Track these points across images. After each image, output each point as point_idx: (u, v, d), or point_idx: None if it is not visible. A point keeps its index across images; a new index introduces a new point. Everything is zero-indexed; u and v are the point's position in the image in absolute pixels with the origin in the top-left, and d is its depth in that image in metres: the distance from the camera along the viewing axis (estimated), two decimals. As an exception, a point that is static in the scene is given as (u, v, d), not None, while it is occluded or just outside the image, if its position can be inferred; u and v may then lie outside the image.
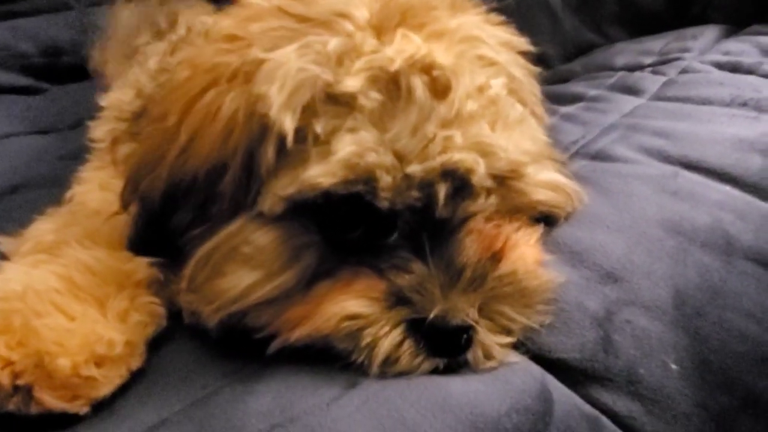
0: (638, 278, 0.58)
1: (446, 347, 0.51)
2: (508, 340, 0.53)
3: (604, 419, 0.52)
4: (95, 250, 0.59)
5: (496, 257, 0.54)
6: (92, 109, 0.97)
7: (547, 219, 0.63)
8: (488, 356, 0.52)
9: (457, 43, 0.55)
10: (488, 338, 0.52)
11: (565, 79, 1.13)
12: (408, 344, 0.51)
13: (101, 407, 0.51)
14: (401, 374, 0.50)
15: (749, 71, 0.92)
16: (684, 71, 0.98)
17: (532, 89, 0.63)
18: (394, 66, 0.51)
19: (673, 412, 0.52)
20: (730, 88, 0.86)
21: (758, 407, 0.55)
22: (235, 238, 0.53)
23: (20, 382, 0.48)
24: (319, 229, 0.52)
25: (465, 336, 0.51)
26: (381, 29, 0.54)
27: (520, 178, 0.56)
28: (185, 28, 0.95)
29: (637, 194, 0.67)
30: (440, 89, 0.52)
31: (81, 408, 0.50)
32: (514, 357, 0.53)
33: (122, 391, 0.52)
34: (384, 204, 0.51)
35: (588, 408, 0.52)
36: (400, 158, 0.50)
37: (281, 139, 0.51)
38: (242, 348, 0.54)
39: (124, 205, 0.59)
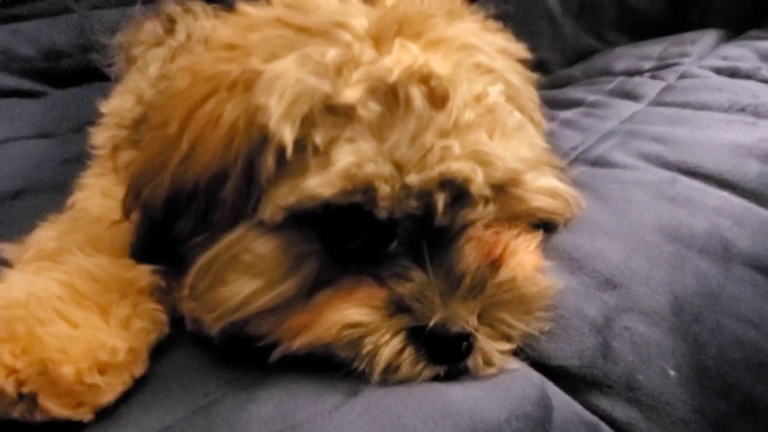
0: (636, 285, 0.58)
1: (446, 354, 0.51)
2: (508, 346, 0.53)
3: (603, 425, 0.52)
4: (97, 257, 0.60)
5: (496, 264, 0.54)
6: (93, 112, 0.97)
7: (546, 225, 0.63)
8: (488, 363, 0.52)
9: (455, 51, 0.56)
10: (488, 345, 0.52)
11: (564, 84, 1.13)
12: (408, 352, 0.51)
13: (105, 414, 0.51)
14: (402, 382, 0.51)
15: (747, 76, 0.92)
16: (683, 76, 0.98)
17: (530, 96, 0.63)
18: (393, 76, 0.51)
19: (671, 418, 0.52)
20: (729, 93, 0.86)
21: (756, 413, 0.55)
22: (235, 247, 0.54)
23: (24, 389, 0.49)
24: (319, 238, 0.53)
25: (465, 343, 0.51)
26: (379, 39, 0.54)
27: (518, 186, 0.57)
28: (185, 33, 0.96)
29: (635, 200, 0.67)
30: (438, 99, 0.52)
31: (85, 415, 0.50)
32: (514, 364, 0.54)
33: (125, 398, 0.53)
34: (383, 214, 0.51)
35: (587, 414, 0.52)
36: (399, 168, 0.51)
37: (281, 149, 0.51)
38: (244, 355, 0.54)
39: (126, 213, 0.59)
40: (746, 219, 0.64)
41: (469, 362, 0.52)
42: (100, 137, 0.88)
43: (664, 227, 0.63)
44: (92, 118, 0.99)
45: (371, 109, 0.51)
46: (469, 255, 0.53)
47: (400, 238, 0.53)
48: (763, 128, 0.76)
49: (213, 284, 0.54)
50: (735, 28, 1.14)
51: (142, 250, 0.58)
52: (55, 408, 0.49)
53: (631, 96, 0.97)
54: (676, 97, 0.92)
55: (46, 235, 0.66)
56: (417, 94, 0.51)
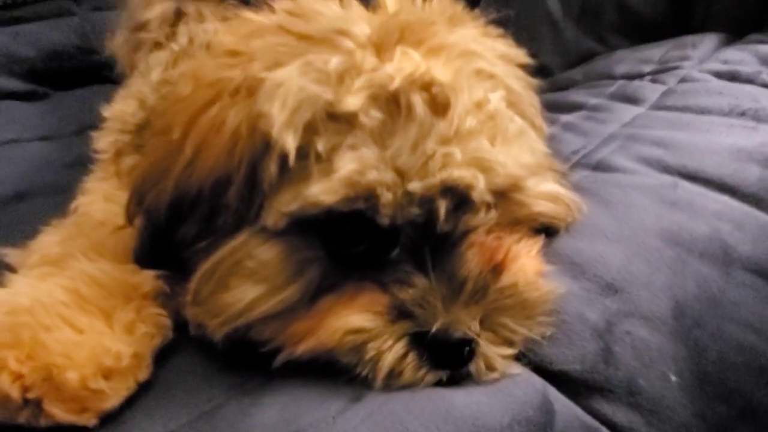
0: (638, 289, 0.58)
1: (449, 360, 0.52)
2: (510, 351, 0.54)
3: (605, 430, 0.53)
4: (101, 262, 0.60)
5: (498, 269, 0.55)
6: (95, 115, 0.97)
7: (547, 230, 0.63)
8: (490, 368, 0.53)
9: (455, 58, 0.56)
10: (490, 350, 0.53)
11: (565, 87, 1.13)
12: (411, 357, 0.51)
13: (109, 419, 0.52)
14: (405, 387, 0.51)
15: (748, 80, 0.92)
16: (683, 80, 0.99)
17: (532, 101, 0.64)
18: (394, 84, 0.51)
19: (672, 422, 0.53)
20: (729, 97, 0.86)
21: (756, 417, 0.55)
22: (239, 252, 0.54)
23: (30, 395, 0.49)
24: (322, 244, 0.53)
25: (467, 348, 0.51)
26: (381, 46, 0.54)
27: (520, 191, 0.57)
28: (187, 37, 0.96)
29: (636, 205, 0.67)
30: (440, 106, 0.52)
31: (89, 420, 0.50)
32: (516, 368, 0.54)
33: (129, 403, 0.53)
34: (385, 220, 0.51)
35: (589, 419, 0.53)
36: (401, 175, 0.51)
37: (283, 156, 0.51)
38: (248, 360, 0.54)
39: (130, 219, 0.59)
40: (747, 223, 0.64)
41: (472, 367, 0.52)
42: (102, 142, 0.88)
43: (665, 232, 0.63)
44: (94, 120, 0.99)
45: (373, 117, 0.51)
46: (471, 260, 0.54)
47: (403, 244, 0.53)
48: (763, 132, 0.76)
49: (216, 290, 0.54)
50: (735, 32, 1.14)
51: (145, 256, 0.59)
52: (60, 413, 0.49)
53: (631, 100, 0.97)
54: (676, 100, 0.92)
55: (49, 240, 0.66)
56: (418, 102, 0.52)
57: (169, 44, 0.99)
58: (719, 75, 0.97)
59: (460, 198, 0.52)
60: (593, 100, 1.00)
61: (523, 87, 0.63)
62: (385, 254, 0.53)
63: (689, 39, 1.13)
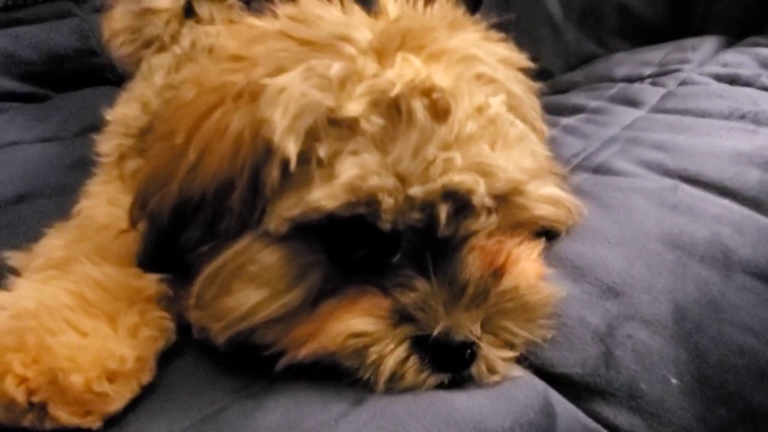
0: (638, 293, 0.59)
1: (450, 363, 0.52)
2: (511, 354, 0.54)
3: (606, 433, 0.53)
4: (105, 266, 0.60)
5: (499, 273, 0.55)
6: (97, 117, 0.98)
7: (548, 233, 0.64)
8: (492, 370, 0.53)
9: (456, 63, 0.56)
10: (491, 353, 0.53)
11: (565, 89, 1.13)
12: (413, 360, 0.52)
13: (113, 422, 0.52)
14: (407, 390, 0.51)
15: (747, 83, 0.92)
16: (683, 83, 0.99)
17: (533, 105, 0.64)
18: (395, 90, 0.52)
19: (673, 426, 0.53)
20: (729, 100, 0.87)
21: (756, 420, 0.55)
22: (241, 257, 0.54)
23: (35, 398, 0.49)
24: (323, 249, 0.53)
25: (468, 351, 0.52)
26: (382, 52, 0.55)
27: (521, 195, 0.57)
28: (189, 41, 0.96)
29: (637, 208, 0.68)
30: (440, 112, 0.53)
31: (94, 423, 0.51)
32: (518, 371, 0.54)
33: (133, 406, 0.53)
34: (387, 225, 0.52)
35: (590, 422, 0.53)
36: (402, 180, 0.51)
37: (285, 162, 0.52)
38: (251, 364, 0.55)
39: (133, 223, 0.60)
40: (747, 227, 0.64)
41: (473, 370, 0.52)
42: (106, 145, 0.89)
43: (666, 235, 0.63)
44: (95, 122, 0.99)
45: (374, 123, 0.52)
46: (472, 264, 0.54)
47: (404, 248, 0.53)
48: (763, 136, 0.77)
49: (219, 294, 0.55)
50: (735, 34, 1.14)
51: (149, 259, 0.59)
52: (64, 416, 0.50)
53: (632, 102, 0.97)
54: (676, 103, 0.92)
55: (53, 243, 0.66)
56: (419, 107, 0.52)
57: (172, 47, 0.99)
58: (719, 78, 0.97)
59: (460, 203, 0.53)
60: (593, 103, 1.00)
61: (524, 91, 0.63)
62: (386, 259, 0.53)
63: (689, 42, 1.13)
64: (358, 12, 0.61)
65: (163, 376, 0.56)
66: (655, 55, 1.12)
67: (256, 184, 0.53)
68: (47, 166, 1.10)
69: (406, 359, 0.51)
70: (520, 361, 0.55)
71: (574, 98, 1.05)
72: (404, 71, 0.53)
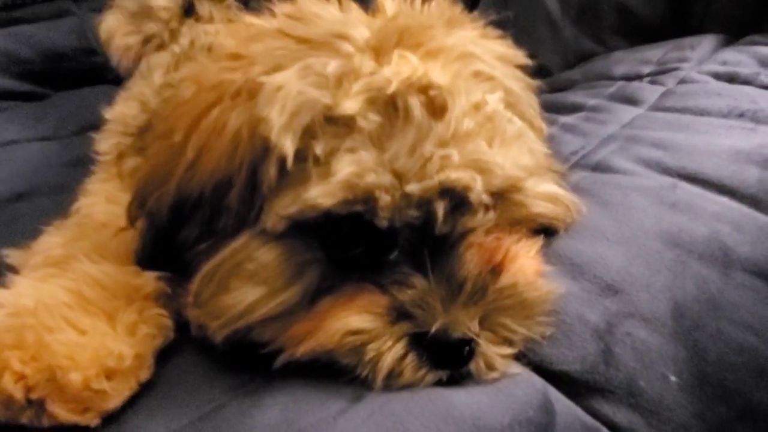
0: (638, 291, 0.59)
1: (449, 359, 0.52)
2: (510, 351, 0.54)
3: (605, 430, 0.53)
4: (104, 264, 0.60)
5: (497, 270, 0.55)
6: (95, 115, 0.98)
7: (546, 231, 0.64)
8: (490, 367, 0.53)
9: (453, 61, 0.56)
10: (490, 349, 0.53)
11: (564, 87, 1.13)
12: (411, 358, 0.51)
13: (111, 419, 0.52)
14: (405, 387, 0.51)
15: (746, 82, 0.92)
16: (682, 81, 0.99)
17: (531, 102, 0.64)
18: (392, 87, 0.52)
19: (672, 423, 0.53)
20: (728, 99, 0.87)
21: (756, 417, 0.56)
22: (239, 255, 0.54)
23: (33, 395, 0.49)
24: (321, 247, 0.53)
25: (467, 348, 0.52)
26: (379, 50, 0.55)
27: (518, 192, 0.57)
28: (188, 39, 0.96)
29: (636, 206, 0.68)
30: (437, 109, 0.53)
31: (92, 420, 0.51)
32: (516, 368, 0.54)
33: (131, 403, 0.53)
34: (384, 223, 0.52)
35: (589, 419, 0.53)
36: (399, 178, 0.51)
37: (282, 160, 0.52)
38: (249, 361, 0.55)
39: (132, 221, 0.60)
40: (746, 225, 0.64)
41: (471, 367, 0.52)
42: (104, 143, 0.89)
43: (665, 233, 0.63)
44: (94, 121, 1.00)
45: (371, 120, 0.52)
46: (470, 261, 0.54)
47: (401, 246, 0.53)
48: (762, 134, 0.77)
49: (217, 292, 0.55)
50: (734, 32, 1.14)
51: (147, 257, 0.59)
52: (63, 413, 0.50)
53: (631, 101, 0.97)
54: (675, 102, 0.92)
55: (52, 241, 0.66)
56: (416, 105, 0.52)
57: (171, 45, 0.99)
58: (718, 76, 0.97)
59: (458, 200, 0.52)
60: (592, 101, 1.00)
61: (522, 88, 0.63)
62: (383, 256, 0.53)
63: (688, 40, 1.13)
64: (355, 10, 0.61)
65: (161, 373, 0.56)
66: (654, 53, 1.12)
67: (254, 182, 0.53)
68: (46, 164, 1.10)
69: (404, 356, 0.51)
70: (518, 358, 0.55)
71: (573, 96, 1.05)
72: (401, 69, 0.53)
